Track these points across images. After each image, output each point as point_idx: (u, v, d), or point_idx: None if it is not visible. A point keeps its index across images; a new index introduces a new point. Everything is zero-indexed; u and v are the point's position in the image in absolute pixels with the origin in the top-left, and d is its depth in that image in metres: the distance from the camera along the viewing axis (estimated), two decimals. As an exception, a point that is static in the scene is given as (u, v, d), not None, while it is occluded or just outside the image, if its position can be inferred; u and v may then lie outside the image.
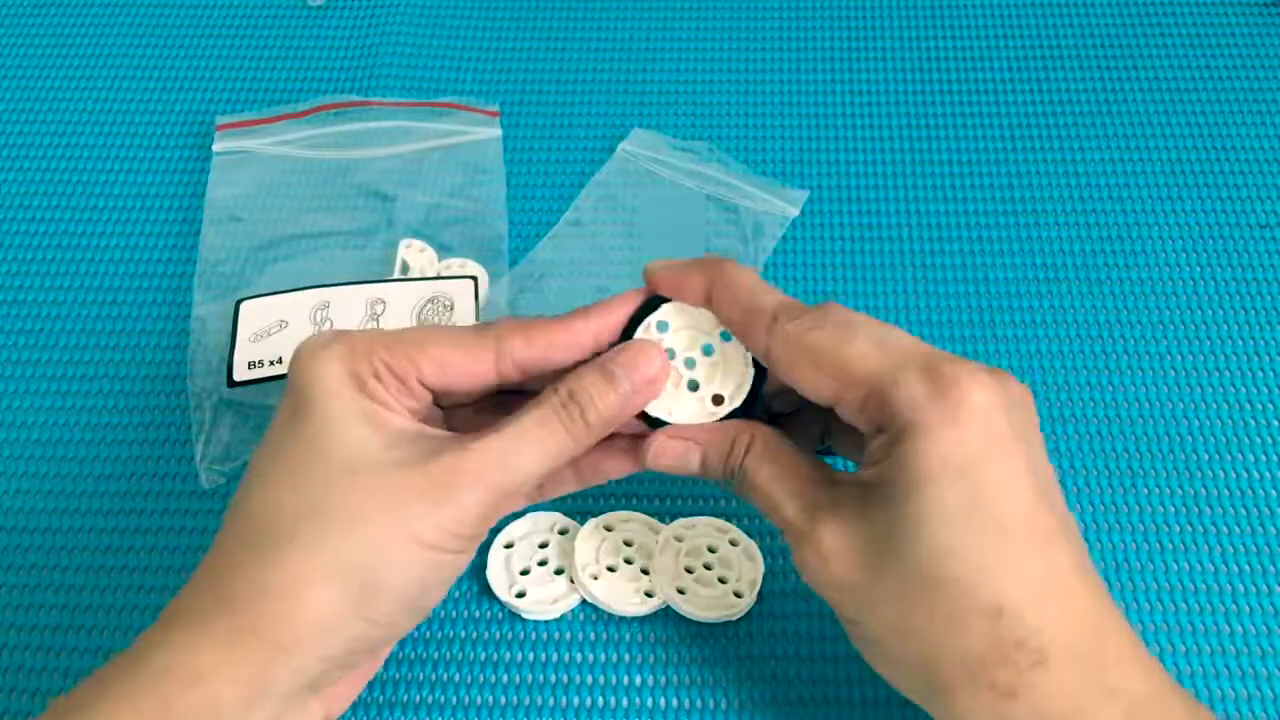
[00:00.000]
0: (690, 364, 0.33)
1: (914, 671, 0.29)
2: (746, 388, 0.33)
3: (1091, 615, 0.28)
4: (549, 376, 0.32)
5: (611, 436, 0.32)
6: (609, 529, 0.39)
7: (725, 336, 0.33)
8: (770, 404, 0.35)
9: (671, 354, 0.33)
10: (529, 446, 0.30)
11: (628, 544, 0.38)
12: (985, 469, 0.28)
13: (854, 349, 0.29)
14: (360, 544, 0.28)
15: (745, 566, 0.38)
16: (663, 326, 0.33)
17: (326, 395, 0.29)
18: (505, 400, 0.34)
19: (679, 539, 0.38)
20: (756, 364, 0.32)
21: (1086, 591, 0.28)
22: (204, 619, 0.28)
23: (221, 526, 0.30)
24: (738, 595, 0.37)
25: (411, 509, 0.28)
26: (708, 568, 0.38)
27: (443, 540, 0.29)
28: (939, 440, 0.28)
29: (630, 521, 0.39)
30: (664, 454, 0.33)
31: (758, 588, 0.37)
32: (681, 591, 0.37)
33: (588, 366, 0.31)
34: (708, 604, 0.37)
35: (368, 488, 0.28)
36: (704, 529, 0.39)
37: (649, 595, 0.37)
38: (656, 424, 0.33)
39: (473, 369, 0.31)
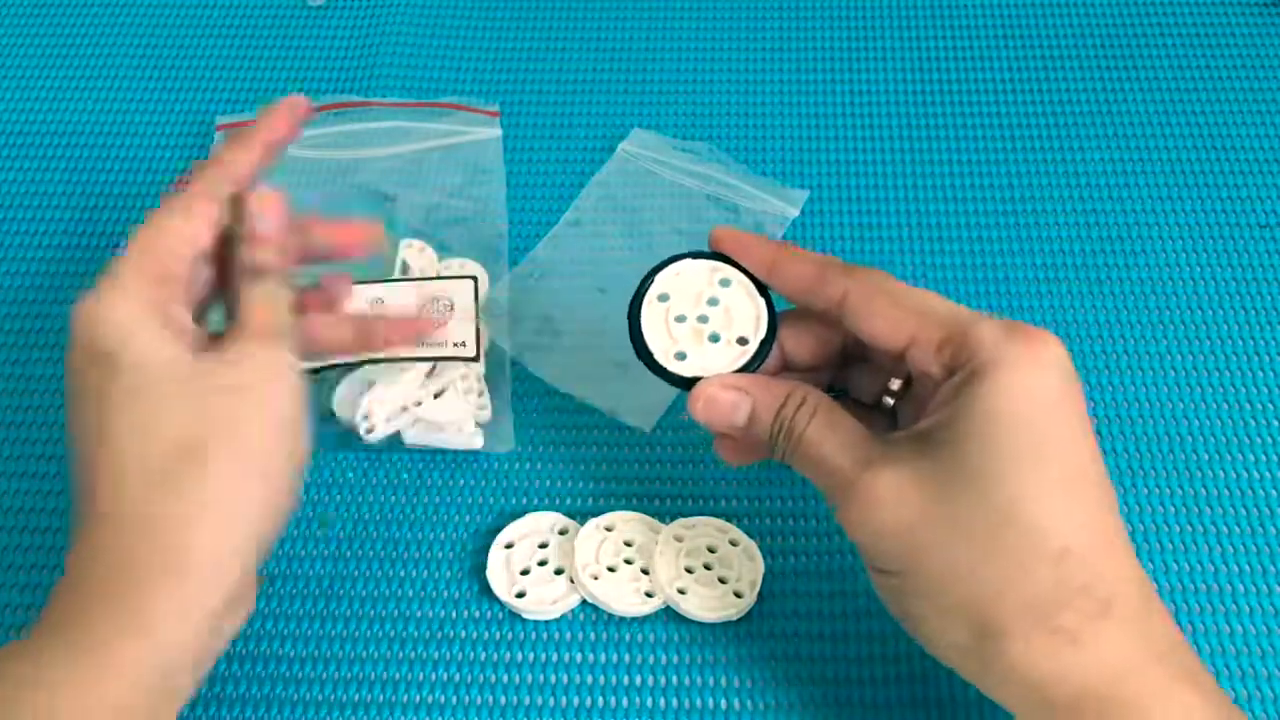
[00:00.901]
0: (703, 320, 0.34)
1: (964, 619, 0.29)
2: (765, 320, 0.33)
3: (1140, 576, 0.29)
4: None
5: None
6: (609, 529, 0.39)
7: (724, 283, 0.34)
8: (793, 359, 0.35)
9: (683, 318, 0.34)
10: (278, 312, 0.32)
11: (628, 544, 0.38)
12: (1058, 416, 0.29)
13: (930, 295, 0.31)
14: (229, 470, 0.29)
15: (745, 566, 0.38)
16: (664, 298, 0.34)
17: (140, 347, 0.30)
18: None
19: (679, 539, 0.38)
20: (764, 296, 0.34)
21: (1131, 553, 0.29)
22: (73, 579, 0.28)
23: (83, 533, 0.29)
24: (738, 595, 0.37)
25: (253, 406, 0.30)
26: (708, 568, 0.38)
27: (294, 414, 0.31)
28: (1022, 377, 0.28)
29: (630, 521, 0.39)
30: (715, 404, 0.33)
31: (758, 588, 0.37)
32: (682, 591, 0.37)
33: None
34: (707, 604, 0.37)
35: (190, 407, 0.29)
36: (704, 529, 0.39)
37: (649, 595, 0.37)
38: (690, 384, 0.33)
39: (204, 215, 0.32)
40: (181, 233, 0.32)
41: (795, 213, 0.48)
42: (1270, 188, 0.49)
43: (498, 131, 0.51)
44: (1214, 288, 0.46)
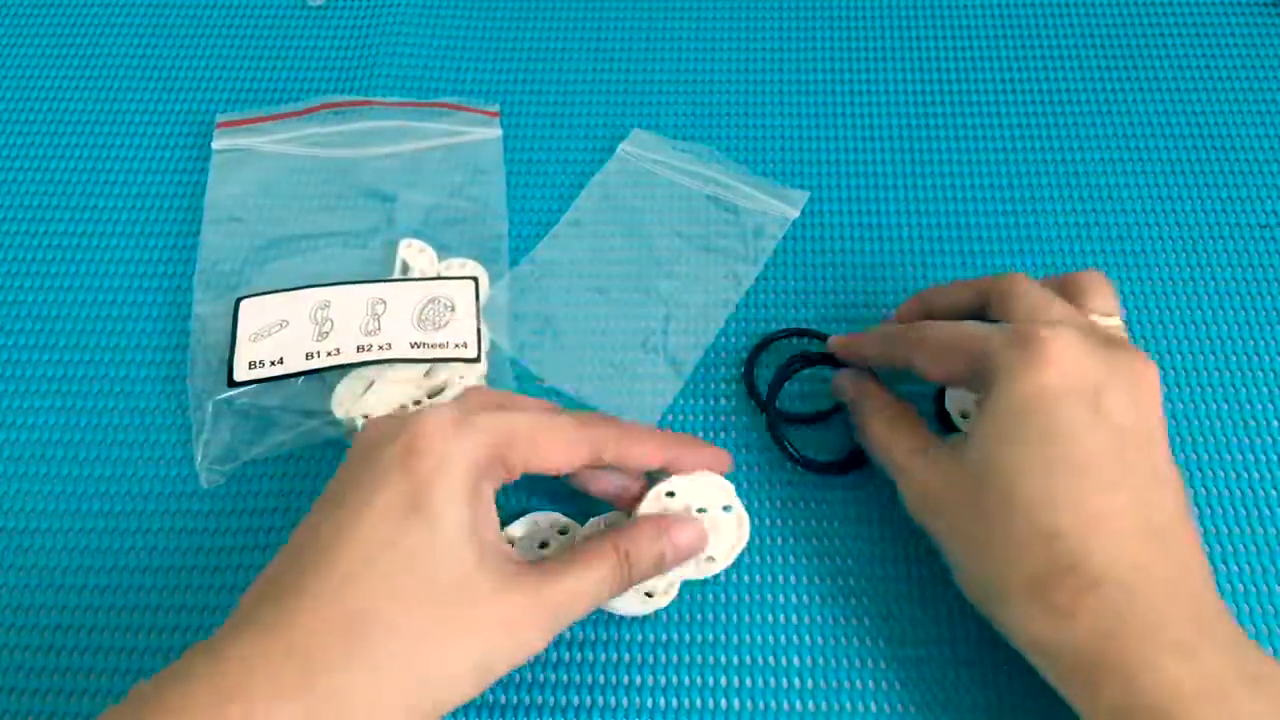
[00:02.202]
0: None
1: (987, 589, 0.33)
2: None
3: (1135, 556, 0.31)
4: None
5: None
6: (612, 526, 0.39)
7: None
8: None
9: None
10: (587, 594, 0.33)
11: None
12: (1054, 409, 0.32)
13: (965, 327, 0.35)
14: (440, 669, 0.30)
15: (727, 531, 0.37)
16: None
17: (447, 499, 0.31)
18: None
19: (670, 494, 0.37)
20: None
21: (1146, 535, 0.31)
22: (272, 700, 0.28)
23: (298, 586, 0.30)
24: (711, 559, 0.37)
25: (491, 640, 0.30)
26: None
27: (506, 667, 0.31)
28: (1017, 380, 0.32)
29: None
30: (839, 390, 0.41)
31: (737, 553, 0.37)
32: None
33: (644, 534, 0.35)
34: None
35: (458, 617, 0.30)
36: (702, 486, 0.37)
37: (649, 595, 0.37)
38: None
39: (567, 463, 0.34)
40: (548, 456, 0.33)
41: (795, 214, 0.48)
42: (1270, 188, 0.49)
43: (498, 131, 0.51)
44: (1214, 288, 0.46)
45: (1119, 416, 0.32)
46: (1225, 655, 0.30)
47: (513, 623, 0.31)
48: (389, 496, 0.31)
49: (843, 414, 0.42)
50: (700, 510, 0.36)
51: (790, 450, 0.41)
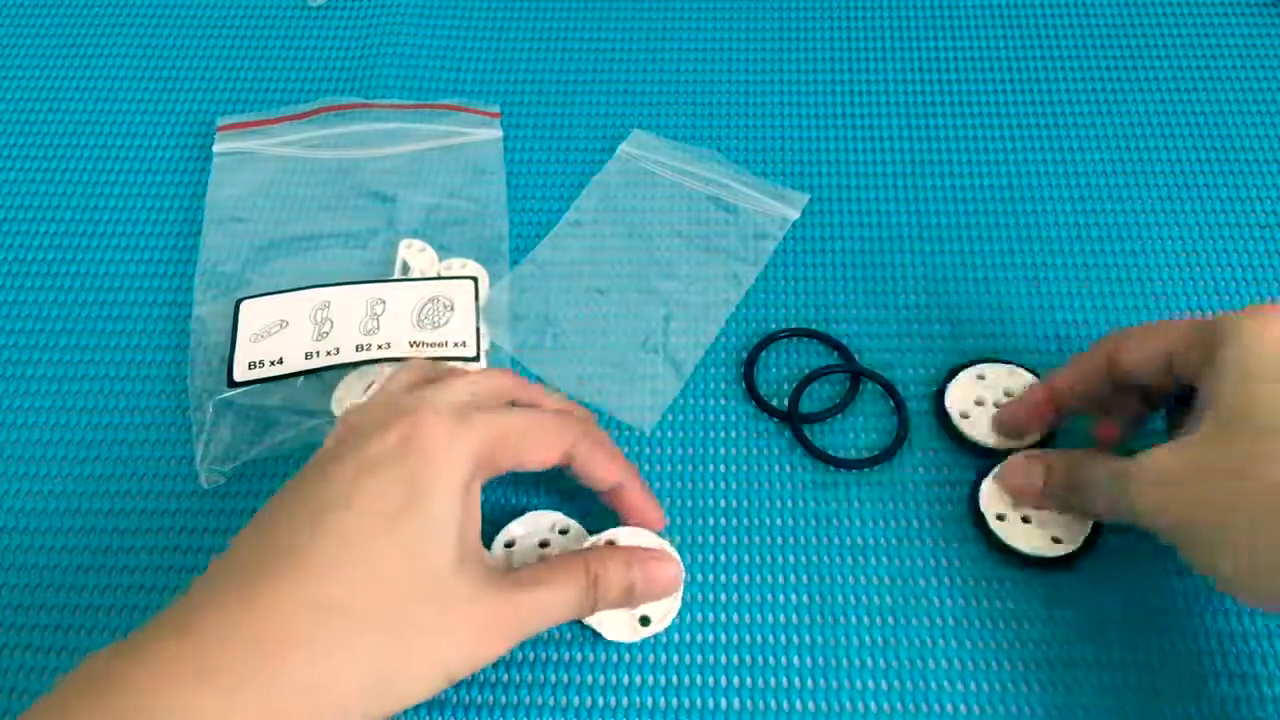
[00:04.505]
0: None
1: (1246, 560, 0.30)
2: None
3: None
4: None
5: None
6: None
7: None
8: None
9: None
10: (556, 610, 0.33)
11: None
12: None
13: (1166, 322, 0.35)
14: (404, 667, 0.29)
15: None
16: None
17: (445, 493, 0.31)
18: None
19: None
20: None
21: None
22: (227, 666, 0.28)
23: (274, 564, 0.29)
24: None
25: (461, 645, 0.30)
26: None
27: (466, 671, 0.31)
28: (1257, 339, 0.31)
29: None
30: (1015, 474, 0.39)
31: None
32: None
33: (616, 560, 0.34)
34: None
35: (430, 617, 0.30)
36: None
37: (644, 624, 0.37)
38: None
39: (543, 464, 0.35)
40: (529, 456, 0.34)
41: (795, 215, 0.48)
42: (1270, 188, 0.49)
43: (498, 132, 0.51)
44: (1214, 288, 0.46)
45: None
46: None
47: (480, 628, 0.31)
48: (382, 486, 0.30)
49: (855, 406, 0.42)
50: None
51: (816, 451, 0.41)
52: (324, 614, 0.29)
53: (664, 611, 0.37)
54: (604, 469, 0.36)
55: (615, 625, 0.37)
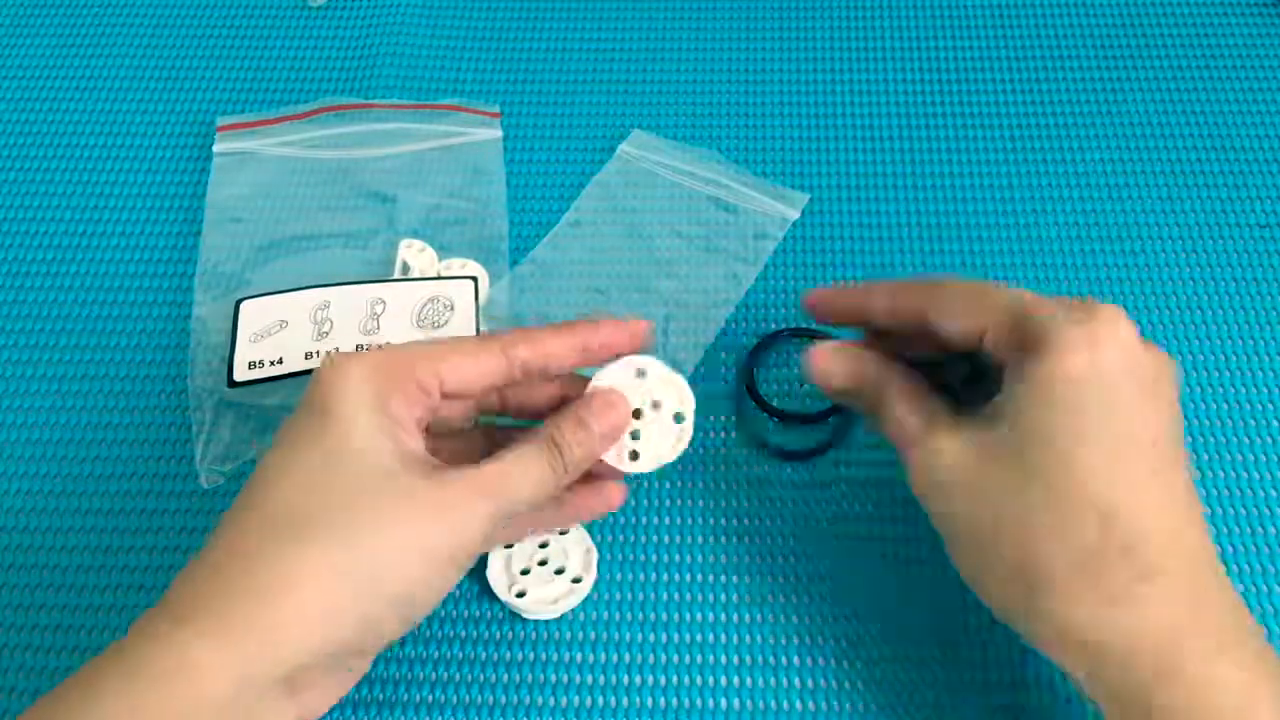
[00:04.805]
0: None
1: (1015, 570, 0.30)
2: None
3: (1198, 542, 0.30)
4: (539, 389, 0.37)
5: (590, 478, 0.36)
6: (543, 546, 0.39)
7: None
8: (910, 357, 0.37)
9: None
10: (522, 477, 0.33)
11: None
12: (1113, 385, 0.30)
13: (998, 289, 0.33)
14: (373, 550, 0.30)
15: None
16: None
17: (351, 410, 0.31)
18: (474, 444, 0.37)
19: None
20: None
21: (1198, 525, 0.30)
22: (200, 610, 0.29)
23: (224, 521, 0.31)
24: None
25: (427, 524, 0.31)
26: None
27: (450, 554, 0.31)
28: (1081, 349, 0.30)
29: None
30: (821, 362, 0.36)
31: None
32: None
33: (565, 415, 0.34)
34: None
35: (386, 500, 0.30)
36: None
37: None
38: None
39: (485, 370, 0.34)
40: (456, 366, 0.33)
41: (795, 215, 0.48)
42: (1270, 188, 0.49)
43: (498, 132, 0.51)
44: (1214, 288, 0.46)
45: (1172, 405, 0.31)
46: (1260, 641, 0.29)
47: (448, 507, 0.31)
48: (298, 420, 0.32)
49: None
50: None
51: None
52: (273, 531, 0.30)
53: (679, 400, 0.36)
54: (555, 342, 0.35)
55: (661, 442, 0.36)
